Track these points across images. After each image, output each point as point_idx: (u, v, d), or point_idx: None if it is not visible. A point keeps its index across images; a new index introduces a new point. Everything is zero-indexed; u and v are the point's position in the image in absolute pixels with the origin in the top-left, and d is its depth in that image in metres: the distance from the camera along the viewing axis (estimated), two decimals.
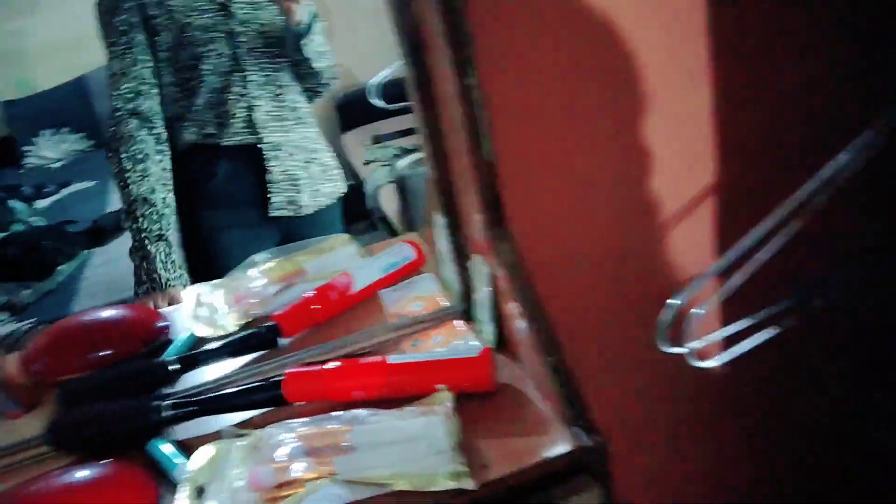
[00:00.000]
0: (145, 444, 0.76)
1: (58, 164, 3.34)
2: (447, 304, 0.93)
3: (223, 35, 1.34)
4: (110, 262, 2.09)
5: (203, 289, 1.04)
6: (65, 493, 0.67)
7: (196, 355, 0.88)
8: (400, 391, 0.75)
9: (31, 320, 1.93)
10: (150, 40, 1.32)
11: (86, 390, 0.85)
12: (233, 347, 0.89)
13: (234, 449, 0.71)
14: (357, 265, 0.99)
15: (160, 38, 1.32)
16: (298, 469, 0.67)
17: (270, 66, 1.40)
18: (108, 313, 1.00)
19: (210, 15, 1.34)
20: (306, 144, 1.47)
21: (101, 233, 2.29)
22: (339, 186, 1.58)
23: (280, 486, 0.67)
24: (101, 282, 2.00)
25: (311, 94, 1.52)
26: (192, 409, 0.78)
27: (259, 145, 1.39)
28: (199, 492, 0.67)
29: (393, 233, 2.86)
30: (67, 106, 3.34)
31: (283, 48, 1.40)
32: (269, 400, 0.78)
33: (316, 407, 0.77)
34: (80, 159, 3.33)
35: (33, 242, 2.06)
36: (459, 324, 0.88)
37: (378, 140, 3.40)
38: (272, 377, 0.78)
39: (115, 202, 2.58)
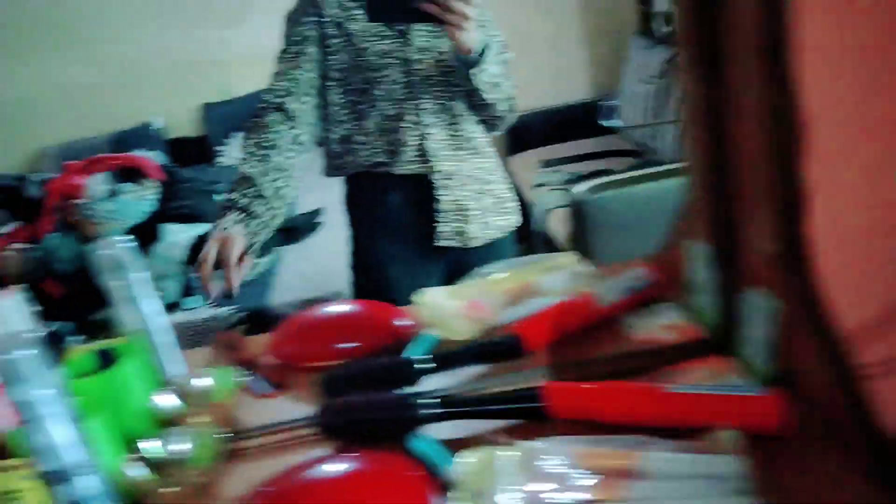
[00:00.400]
0: (407, 439, 0.77)
1: None
2: (699, 335, 0.89)
3: (399, 62, 1.30)
4: (303, 259, 2.20)
5: (436, 293, 1.06)
6: (350, 480, 0.69)
7: (444, 357, 0.89)
8: (675, 422, 0.72)
9: (232, 307, 2.07)
10: (323, 56, 1.32)
11: (346, 379, 0.88)
12: (478, 354, 0.90)
13: (503, 459, 0.70)
14: (597, 286, 0.97)
15: (335, 57, 1.32)
16: (584, 490, 0.65)
17: (445, 94, 1.35)
18: (354, 307, 1.04)
19: (388, 41, 1.30)
20: (480, 175, 1.41)
21: (294, 231, 2.41)
22: (512, 220, 1.48)
23: None
24: (295, 276, 2.11)
25: (488, 125, 1.44)
26: (451, 409, 0.78)
27: (430, 175, 1.35)
28: (477, 496, 0.67)
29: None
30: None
31: (459, 77, 1.33)
32: (528, 411, 0.77)
33: (576, 426, 0.75)
34: None
35: None
36: (720, 358, 0.84)
37: (548, 164, 3.41)
38: (530, 388, 0.77)
39: (304, 204, 2.73)
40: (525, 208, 3.30)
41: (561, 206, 2.87)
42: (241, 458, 0.81)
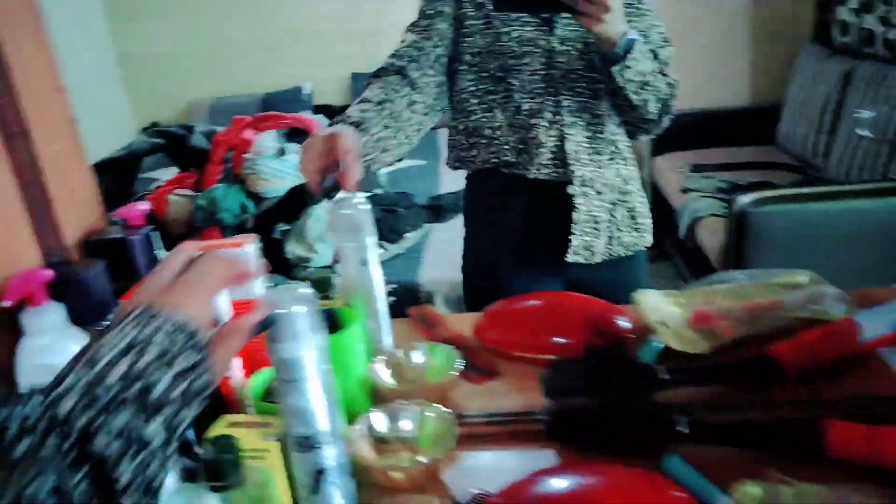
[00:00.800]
0: (657, 457, 0.70)
1: None
2: None
3: (540, 51, 1.15)
4: (448, 240, 2.15)
5: (655, 296, 0.98)
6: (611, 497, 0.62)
7: (688, 370, 0.81)
8: None
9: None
10: (457, 37, 1.19)
11: (574, 377, 0.81)
12: (726, 372, 0.81)
13: (786, 495, 0.62)
14: (862, 314, 0.86)
15: (470, 39, 1.18)
16: None
17: (588, 91, 1.18)
18: (572, 300, 0.97)
19: (531, 28, 1.15)
20: (618, 184, 1.23)
21: (440, 209, 2.38)
22: (644, 238, 1.28)
23: None
24: (441, 255, 2.08)
25: (632, 128, 1.25)
26: (710, 431, 0.71)
27: (566, 180, 1.19)
28: None
29: (704, 267, 2.69)
30: None
31: (601, 73, 1.15)
32: (803, 444, 0.68)
33: (852, 470, 0.66)
34: None
35: (391, 205, 2.19)
36: None
37: (698, 169, 3.24)
38: (811, 421, 0.69)
39: (448, 184, 2.70)
40: (668, 214, 3.17)
41: (714, 215, 2.72)
42: (463, 445, 0.76)
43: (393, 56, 1.17)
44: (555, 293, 1.07)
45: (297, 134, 2.18)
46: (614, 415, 0.73)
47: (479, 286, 1.32)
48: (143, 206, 0.90)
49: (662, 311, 0.96)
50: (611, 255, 1.23)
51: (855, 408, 0.75)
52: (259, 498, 0.64)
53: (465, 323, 1.03)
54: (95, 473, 0.38)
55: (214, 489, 0.62)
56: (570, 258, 1.19)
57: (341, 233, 0.87)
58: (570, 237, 1.18)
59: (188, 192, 2.16)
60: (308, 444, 0.64)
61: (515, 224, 1.23)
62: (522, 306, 0.98)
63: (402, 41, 1.20)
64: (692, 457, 0.69)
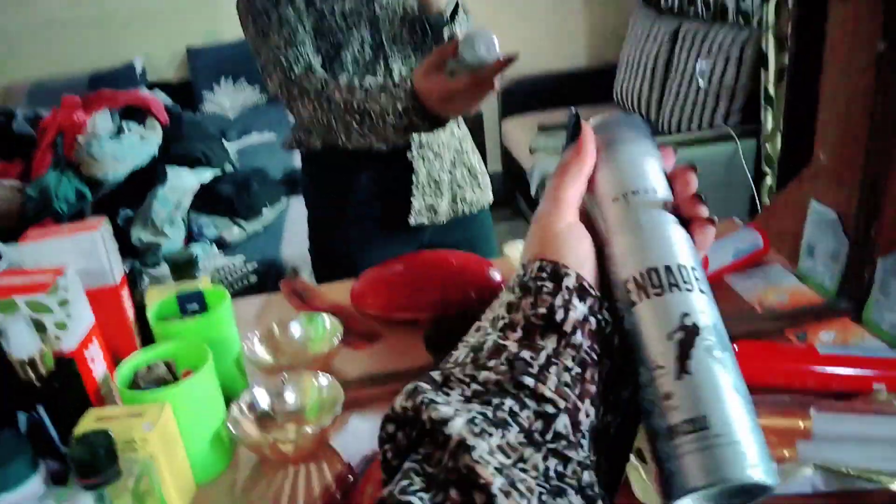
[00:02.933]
0: None
1: (233, 113, 3.44)
2: (815, 299, 0.87)
3: (364, 21, 1.13)
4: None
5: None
6: None
7: None
8: (825, 384, 0.70)
9: (241, 257, 1.98)
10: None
11: (454, 335, 0.83)
12: None
13: None
14: None
15: (303, 22, 1.10)
16: None
17: (415, 55, 1.17)
18: (444, 258, 0.98)
19: (351, 1, 1.11)
20: (454, 144, 1.25)
21: (295, 183, 2.32)
22: (486, 195, 1.31)
23: None
24: (303, 229, 2.02)
25: None
26: None
27: (405, 147, 1.18)
28: (638, 453, 0.64)
29: None
30: (246, 59, 3.44)
31: (427, 37, 1.15)
32: None
33: None
34: (253, 111, 3.42)
35: (244, 182, 2.10)
36: (843, 323, 0.82)
37: (545, 129, 3.37)
38: None
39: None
40: (520, 174, 3.28)
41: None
42: (351, 410, 0.76)
43: (284, 72, 1.07)
44: (426, 252, 1.07)
45: (133, 113, 2.03)
46: None
47: (330, 263, 1.29)
48: None
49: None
50: (455, 213, 1.24)
51: None
52: (140, 491, 0.60)
53: (338, 291, 1.02)
54: None
55: (88, 487, 0.58)
56: (413, 220, 1.19)
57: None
58: (411, 199, 1.19)
59: (14, 182, 1.98)
60: (671, 279, 0.34)
61: (359, 198, 1.21)
62: (396, 269, 0.98)
63: (273, 48, 1.08)
64: None
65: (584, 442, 0.31)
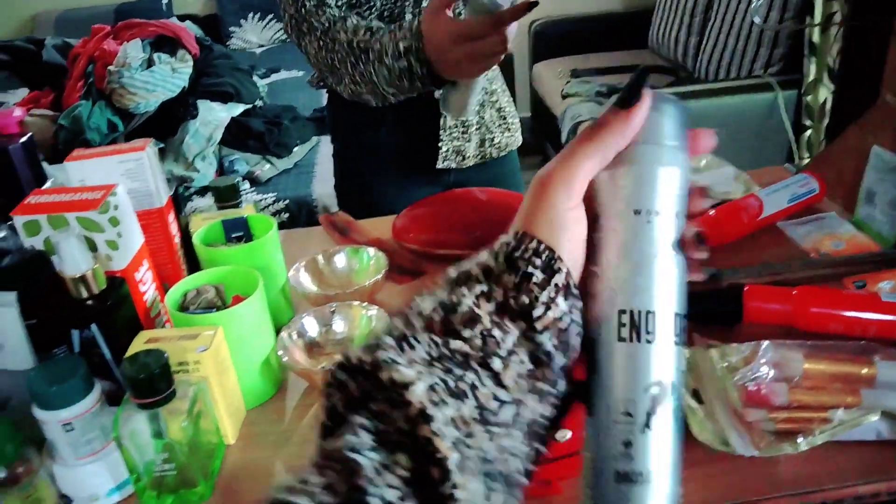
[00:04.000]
0: None
1: (260, 50, 3.39)
2: (873, 246, 0.84)
3: None
4: None
5: None
6: None
7: None
8: (888, 332, 0.68)
9: (272, 194, 1.97)
10: None
11: None
12: None
13: (712, 357, 0.66)
14: (763, 191, 0.91)
15: None
16: (814, 395, 0.61)
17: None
18: (487, 195, 0.96)
19: None
20: (483, 83, 1.15)
21: (325, 121, 2.29)
22: (514, 138, 1.26)
23: (788, 407, 0.61)
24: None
25: None
26: None
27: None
28: (694, 393, 0.63)
29: None
30: None
31: None
32: (721, 313, 0.72)
33: (773, 331, 0.71)
34: (281, 49, 3.37)
35: (275, 118, 2.08)
36: None
37: (577, 74, 3.29)
38: (730, 288, 0.72)
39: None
40: (550, 120, 3.22)
41: (594, 118, 2.79)
42: None
43: (301, 6, 1.01)
44: (472, 190, 1.05)
45: (164, 43, 2.00)
46: None
47: (356, 202, 1.27)
48: (18, 112, 0.79)
49: None
50: (483, 157, 1.21)
51: (766, 273, 0.80)
52: (195, 412, 0.60)
53: (379, 227, 1.00)
54: None
55: (143, 407, 0.58)
56: (440, 164, 1.16)
57: None
58: (439, 144, 1.14)
59: (46, 111, 1.97)
60: (664, 329, 0.34)
61: (385, 138, 1.18)
62: (439, 206, 0.96)
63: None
64: None
65: (519, 434, 0.32)
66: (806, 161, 2.37)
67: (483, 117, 1.19)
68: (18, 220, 0.65)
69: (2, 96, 2.71)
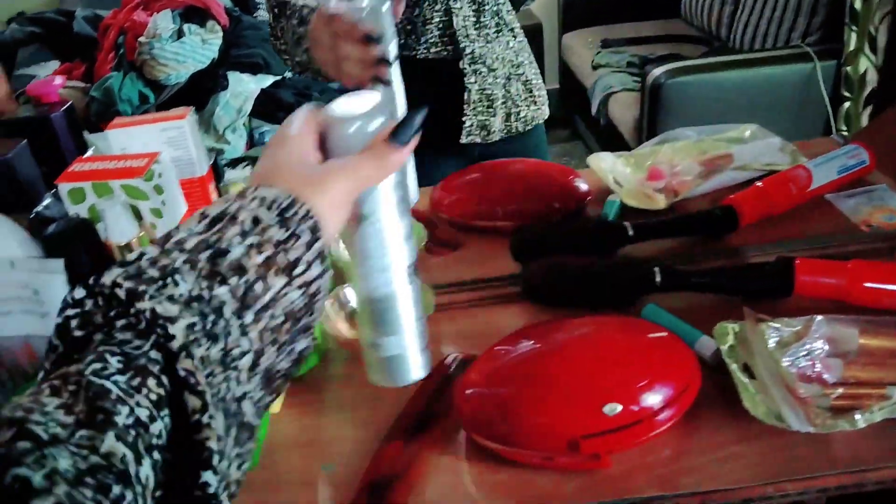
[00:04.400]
0: (633, 307, 0.71)
1: None
2: None
3: None
4: None
5: (608, 157, 0.97)
6: (613, 342, 0.62)
7: (652, 225, 0.81)
8: None
9: None
10: None
11: (543, 241, 0.80)
12: (688, 224, 0.82)
13: (764, 332, 0.64)
14: (812, 162, 0.88)
15: None
16: (871, 371, 0.60)
17: None
18: (529, 167, 0.95)
19: None
20: (509, 57, 1.16)
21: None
22: (542, 111, 1.23)
23: (843, 384, 0.60)
24: None
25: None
26: (683, 280, 0.72)
27: (457, 58, 1.10)
28: (745, 368, 0.62)
29: (618, 143, 2.74)
30: None
31: None
32: (774, 286, 0.70)
33: (824, 306, 0.69)
34: None
35: (304, 90, 2.07)
36: None
37: (608, 44, 3.23)
38: (782, 261, 0.70)
39: None
40: (579, 92, 3.18)
41: (626, 90, 2.74)
42: (438, 315, 0.74)
43: None
44: (512, 161, 1.03)
45: (194, 14, 1.99)
46: (589, 270, 0.73)
47: None
48: (58, 80, 0.79)
49: (617, 171, 0.95)
50: (510, 132, 1.17)
51: (817, 245, 0.78)
52: None
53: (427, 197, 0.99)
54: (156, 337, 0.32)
55: None
56: (464, 139, 1.12)
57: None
58: (463, 118, 1.11)
59: (78, 83, 1.97)
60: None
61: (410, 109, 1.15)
62: (478, 176, 0.95)
63: None
64: (667, 306, 0.70)
65: (256, 379, 0.35)
66: (844, 134, 2.31)
67: (509, 91, 1.16)
68: (63, 188, 0.65)
69: (34, 69, 2.73)
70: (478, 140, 1.14)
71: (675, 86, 2.35)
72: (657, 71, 2.39)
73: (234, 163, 1.93)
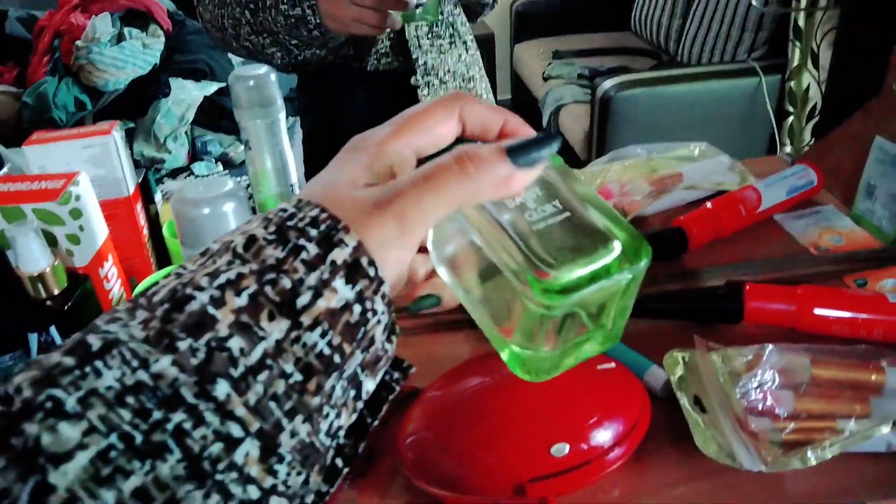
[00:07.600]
0: None
1: None
2: (873, 242, 0.82)
3: None
4: None
5: None
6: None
7: None
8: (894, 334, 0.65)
9: (247, 177, 1.91)
10: None
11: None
12: None
13: (714, 362, 0.63)
14: (762, 182, 0.88)
15: None
16: (822, 404, 0.58)
17: None
18: None
19: None
20: (461, 70, 1.14)
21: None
22: None
23: (795, 417, 0.58)
24: None
25: (469, 11, 1.17)
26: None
27: (407, 70, 1.08)
28: (696, 401, 0.60)
29: (568, 155, 2.74)
30: None
31: None
32: (723, 312, 0.69)
33: (773, 332, 0.68)
34: None
35: None
36: None
37: (559, 55, 3.24)
38: (730, 286, 0.69)
39: None
40: (530, 104, 3.18)
41: (576, 101, 2.75)
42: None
43: None
44: None
45: (135, 17, 1.92)
46: None
47: None
48: None
49: None
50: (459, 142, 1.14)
51: (767, 269, 0.77)
52: None
53: None
54: None
55: None
56: None
57: (248, 109, 0.75)
58: None
59: (9, 87, 1.88)
60: None
61: (358, 123, 1.11)
62: None
63: None
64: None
65: (280, 468, 0.24)
66: (788, 149, 2.36)
67: None
68: None
69: None
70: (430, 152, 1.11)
71: (624, 98, 2.37)
72: (607, 83, 2.40)
73: (174, 173, 1.86)
